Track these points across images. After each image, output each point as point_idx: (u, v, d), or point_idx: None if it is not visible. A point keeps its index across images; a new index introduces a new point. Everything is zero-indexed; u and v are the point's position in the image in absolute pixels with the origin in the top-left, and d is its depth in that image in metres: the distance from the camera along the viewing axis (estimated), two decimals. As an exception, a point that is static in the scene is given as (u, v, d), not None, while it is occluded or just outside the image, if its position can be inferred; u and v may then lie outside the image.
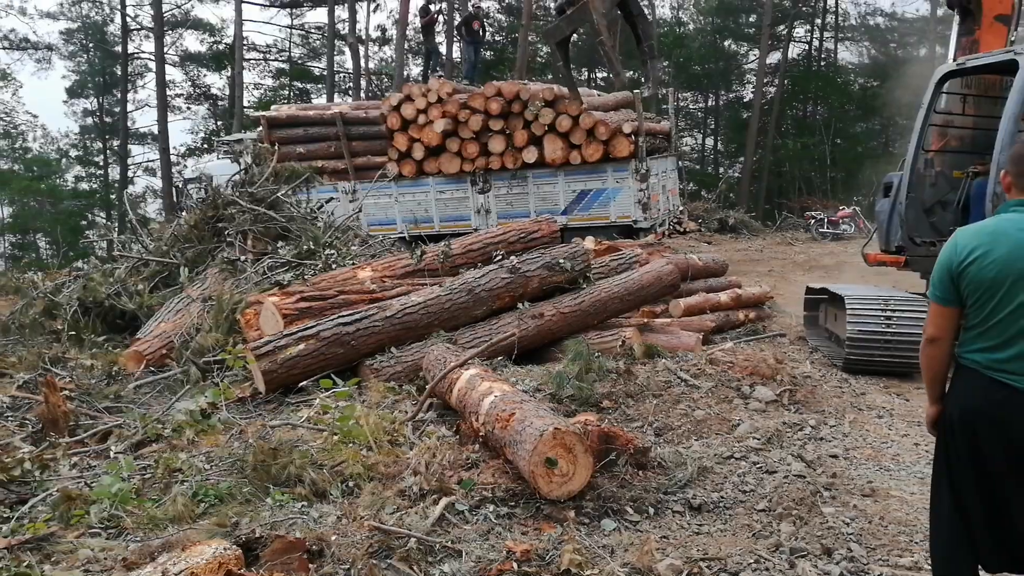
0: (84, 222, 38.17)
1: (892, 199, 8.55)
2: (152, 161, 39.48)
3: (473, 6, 18.05)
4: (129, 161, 41.92)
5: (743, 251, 19.65)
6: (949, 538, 2.96)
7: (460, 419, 5.69)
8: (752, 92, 35.59)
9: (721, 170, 39.02)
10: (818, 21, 38.47)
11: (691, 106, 41.77)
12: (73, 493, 4.97)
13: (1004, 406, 2.74)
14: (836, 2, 38.17)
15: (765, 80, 35.02)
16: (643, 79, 7.05)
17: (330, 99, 31.57)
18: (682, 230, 23.07)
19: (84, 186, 42.14)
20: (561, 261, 8.18)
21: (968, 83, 9.00)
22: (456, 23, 20.78)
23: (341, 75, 37.78)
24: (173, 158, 34.49)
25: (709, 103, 41.74)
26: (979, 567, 2.94)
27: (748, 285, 11.28)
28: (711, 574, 3.61)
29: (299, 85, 41.31)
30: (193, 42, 41.21)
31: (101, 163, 43.00)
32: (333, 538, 3.96)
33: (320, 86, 39.31)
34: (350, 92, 35.11)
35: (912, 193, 8.57)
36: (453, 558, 3.90)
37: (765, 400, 6.21)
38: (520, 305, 7.90)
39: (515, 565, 3.75)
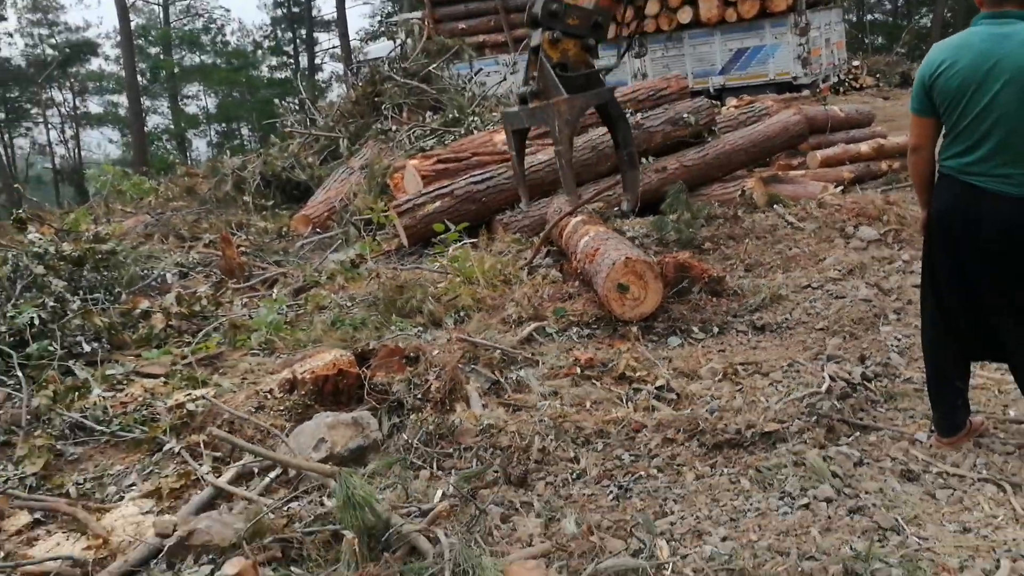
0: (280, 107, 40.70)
1: None
2: (335, 47, 41.27)
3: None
4: (316, 48, 44.10)
5: (919, 104, 18.57)
6: (933, 329, 3.27)
7: (566, 261, 6.27)
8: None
9: (913, 20, 36.17)
10: None
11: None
12: (239, 323, 6.01)
13: (973, 206, 2.98)
14: None
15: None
16: (622, 189, 5.74)
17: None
18: (858, 86, 22.03)
19: (279, 75, 44.75)
20: (685, 116, 8.41)
21: None
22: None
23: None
24: (354, 43, 35.94)
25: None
26: (961, 355, 3.26)
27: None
28: (745, 375, 4.07)
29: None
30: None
31: (291, 52, 45.40)
32: (435, 352, 4.67)
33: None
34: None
35: None
36: (531, 366, 4.55)
37: (867, 239, 6.36)
38: (644, 160, 8.23)
39: (579, 370, 4.35)
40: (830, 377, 3.75)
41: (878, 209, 6.72)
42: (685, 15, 15.52)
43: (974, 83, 2.89)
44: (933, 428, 3.37)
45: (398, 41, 15.15)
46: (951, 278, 3.13)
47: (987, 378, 3.90)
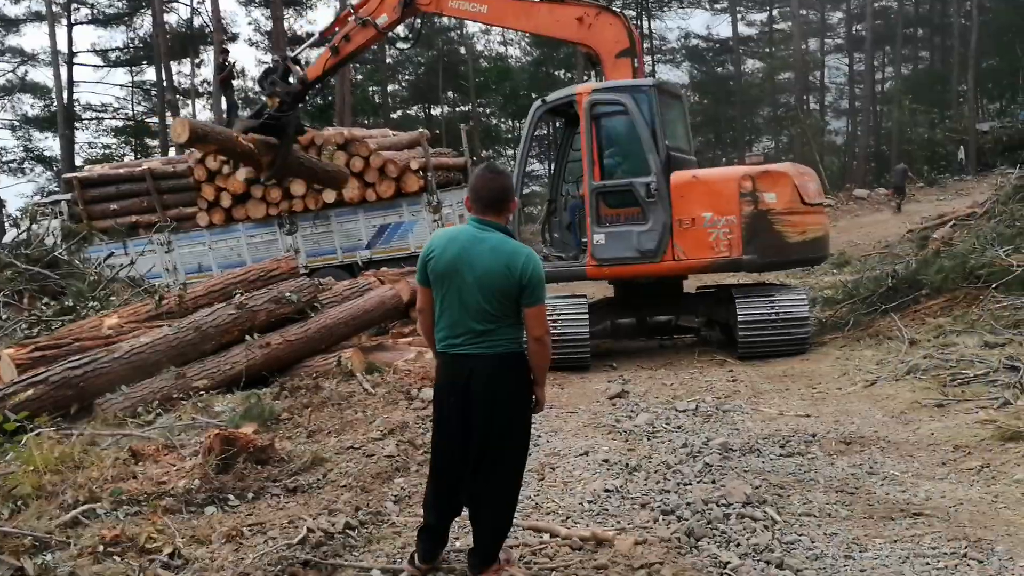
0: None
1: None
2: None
3: (273, 60, 19.00)
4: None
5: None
6: (434, 483, 3.94)
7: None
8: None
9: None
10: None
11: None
12: None
13: (463, 371, 3.66)
14: (650, 29, 40.77)
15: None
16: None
17: (164, 153, 31.98)
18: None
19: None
20: (288, 294, 9.11)
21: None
22: (258, 77, 21.61)
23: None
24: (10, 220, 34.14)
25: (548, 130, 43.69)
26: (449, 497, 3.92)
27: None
28: (249, 535, 4.58)
29: (145, 143, 41.43)
30: (28, 106, 40.98)
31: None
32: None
33: (169, 141, 39.62)
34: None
35: (555, 217, 10.23)
36: (62, 549, 4.76)
37: (428, 400, 7.23)
38: (249, 337, 8.76)
39: (103, 547, 4.64)
40: (308, 529, 4.35)
41: (440, 372, 7.66)
42: (330, 195, 16.64)
43: (453, 272, 3.64)
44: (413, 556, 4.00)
45: (23, 226, 14.89)
46: (452, 436, 3.77)
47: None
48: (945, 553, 3.78)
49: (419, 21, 12.10)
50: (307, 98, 12.76)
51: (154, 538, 4.64)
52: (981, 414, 5.64)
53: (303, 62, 12.81)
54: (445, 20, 40.83)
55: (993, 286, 8.34)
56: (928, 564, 3.69)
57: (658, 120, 9.00)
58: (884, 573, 3.65)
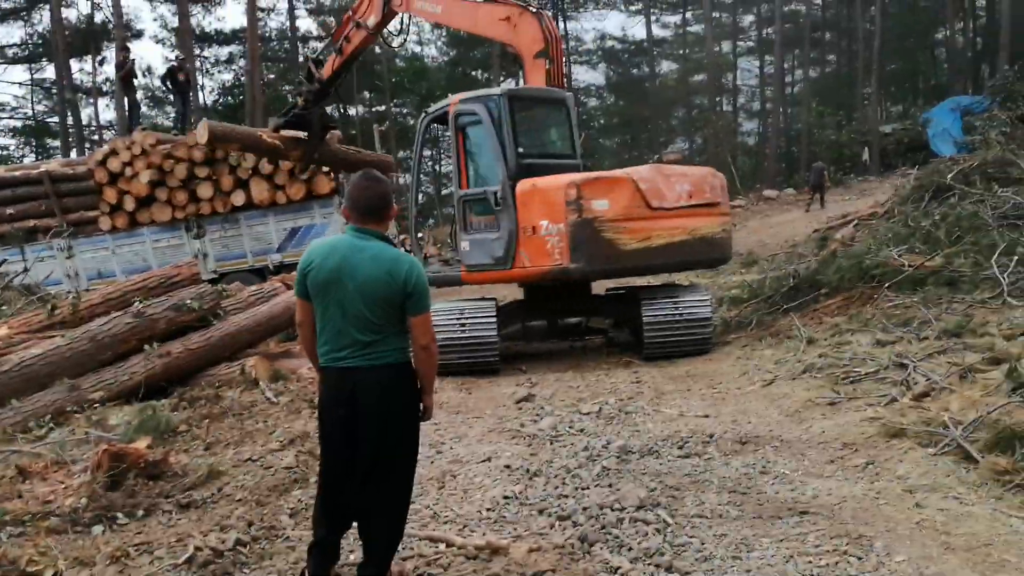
0: None
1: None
2: None
3: (177, 58, 18.56)
4: None
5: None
6: (323, 498, 3.84)
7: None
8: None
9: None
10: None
11: (444, 134, 43.69)
12: None
13: (348, 384, 3.58)
14: (566, 30, 41.08)
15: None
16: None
17: (65, 155, 30.93)
18: (424, 256, 24.25)
19: None
20: (188, 302, 8.86)
21: None
22: (161, 75, 21.11)
23: (89, 129, 37.07)
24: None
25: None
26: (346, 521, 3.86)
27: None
28: (136, 555, 4.43)
29: (45, 143, 39.97)
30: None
31: None
32: None
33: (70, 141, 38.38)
34: (88, 146, 34.55)
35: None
36: (-64, 575, 4.53)
37: (332, 408, 7.14)
38: (149, 346, 8.50)
39: (-19, 572, 4.44)
40: (196, 547, 4.24)
41: (345, 379, 7.56)
42: (238, 198, 16.31)
43: (334, 282, 3.54)
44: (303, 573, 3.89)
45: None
46: (338, 450, 3.70)
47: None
48: (827, 551, 3.87)
49: (406, 20, 12.76)
50: (329, 95, 14.10)
51: (36, 561, 4.46)
52: (869, 411, 5.83)
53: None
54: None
55: (886, 285, 8.64)
56: (811, 562, 3.78)
57: (507, 129, 9.09)
58: (769, 572, 3.72)
